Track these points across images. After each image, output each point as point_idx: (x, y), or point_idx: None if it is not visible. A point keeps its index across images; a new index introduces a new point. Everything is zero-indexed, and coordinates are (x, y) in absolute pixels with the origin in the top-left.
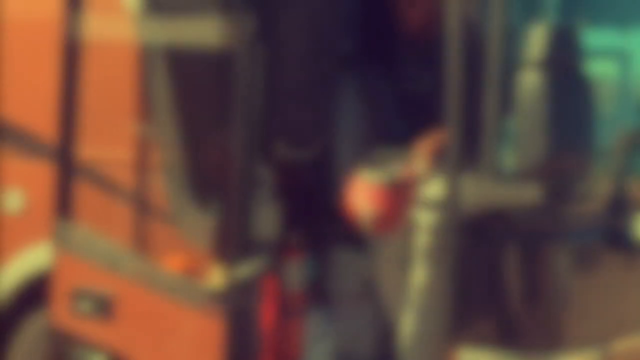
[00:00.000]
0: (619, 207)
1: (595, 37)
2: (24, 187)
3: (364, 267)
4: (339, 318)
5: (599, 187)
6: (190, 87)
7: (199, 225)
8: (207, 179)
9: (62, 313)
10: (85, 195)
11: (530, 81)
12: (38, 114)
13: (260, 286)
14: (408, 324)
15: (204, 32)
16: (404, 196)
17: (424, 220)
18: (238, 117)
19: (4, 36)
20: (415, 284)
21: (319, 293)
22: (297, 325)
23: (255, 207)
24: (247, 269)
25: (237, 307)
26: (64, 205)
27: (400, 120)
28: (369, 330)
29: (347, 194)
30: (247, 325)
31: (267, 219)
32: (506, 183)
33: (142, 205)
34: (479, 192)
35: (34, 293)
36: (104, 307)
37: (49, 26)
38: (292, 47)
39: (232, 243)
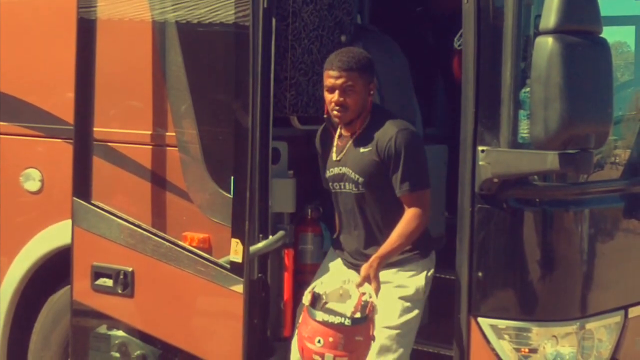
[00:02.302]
0: (636, 173)
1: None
2: (43, 167)
3: None
4: None
5: (616, 154)
6: (206, 62)
7: (217, 200)
8: (224, 155)
9: (82, 289)
10: (104, 174)
11: (546, 49)
12: (55, 94)
13: (278, 259)
14: None
15: (219, 7)
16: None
17: None
18: (254, 92)
19: (17, 16)
20: None
21: None
22: None
23: (272, 181)
24: (265, 242)
25: (256, 279)
26: (82, 184)
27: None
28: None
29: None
30: (265, 297)
31: (283, 193)
32: (524, 151)
33: (160, 183)
34: (498, 160)
35: (55, 270)
36: (124, 283)
37: (66, 7)
38: (308, 20)
39: (250, 217)
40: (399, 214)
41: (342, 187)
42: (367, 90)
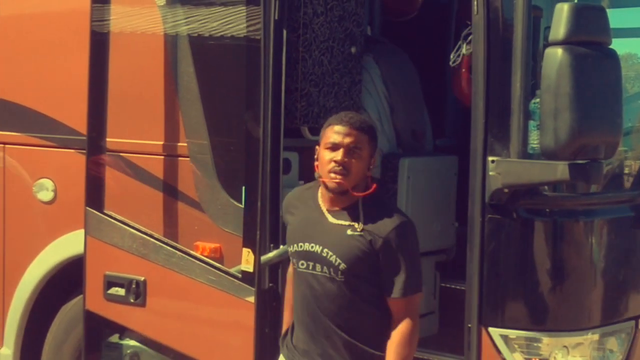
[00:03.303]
0: None
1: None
2: (56, 178)
3: None
4: None
5: (627, 164)
6: (218, 74)
7: (228, 210)
8: (235, 165)
9: (94, 298)
10: (116, 184)
11: (556, 60)
12: (68, 105)
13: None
14: None
15: (231, 19)
16: None
17: None
18: (265, 103)
19: (32, 28)
20: None
21: None
22: None
23: (283, 192)
24: (276, 252)
25: (267, 289)
26: (95, 194)
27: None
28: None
29: None
30: (276, 307)
31: None
32: (534, 161)
33: (171, 193)
34: (508, 171)
35: (67, 280)
36: (136, 293)
37: (78, 18)
38: (319, 32)
39: (261, 227)
40: (376, 315)
41: (312, 267)
42: (369, 163)
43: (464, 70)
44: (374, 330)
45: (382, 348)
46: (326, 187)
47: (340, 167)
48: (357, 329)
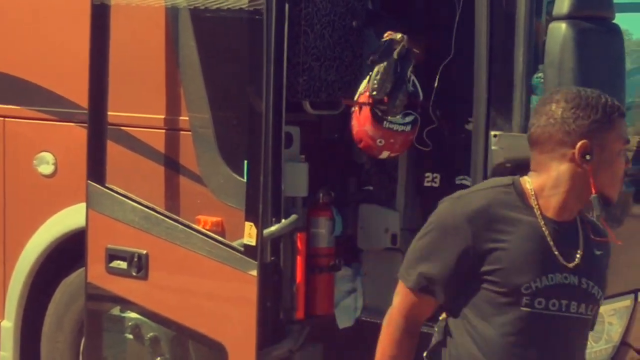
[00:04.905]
0: None
1: None
2: (56, 151)
3: (391, 222)
4: (366, 273)
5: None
6: (219, 47)
7: (229, 184)
8: (237, 139)
9: (96, 272)
10: (118, 157)
11: (560, 34)
12: (69, 78)
13: (290, 243)
14: None
15: None
16: None
17: None
18: (267, 77)
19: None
20: None
21: (347, 249)
22: (325, 281)
23: (284, 166)
24: (278, 226)
25: (269, 262)
26: (96, 167)
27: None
28: (395, 285)
29: None
30: (278, 280)
31: (296, 177)
32: None
33: (173, 167)
34: (510, 145)
35: (68, 254)
36: (138, 266)
37: None
38: (321, 6)
39: (263, 201)
40: None
41: (566, 308)
42: None
43: (356, 108)
44: None
45: None
46: (606, 201)
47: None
48: None
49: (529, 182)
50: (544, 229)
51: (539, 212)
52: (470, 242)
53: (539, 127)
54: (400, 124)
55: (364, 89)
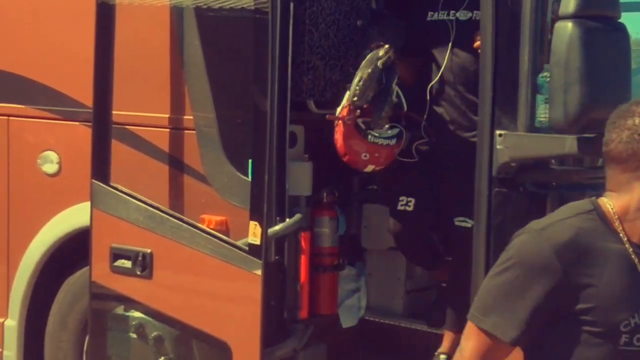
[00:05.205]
0: None
1: None
2: (60, 150)
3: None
4: (370, 272)
5: None
6: (224, 46)
7: (234, 183)
8: (241, 138)
9: (101, 271)
10: (122, 156)
11: (566, 33)
12: (73, 77)
13: (294, 242)
14: None
15: None
16: None
17: None
18: (272, 76)
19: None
20: None
21: (350, 248)
22: (329, 280)
23: (289, 165)
24: (282, 225)
25: (273, 262)
26: (101, 166)
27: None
28: (399, 284)
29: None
30: (282, 280)
31: (300, 176)
32: (542, 135)
33: (177, 166)
34: (516, 144)
35: (72, 253)
36: (142, 265)
37: None
38: (326, 5)
39: (267, 200)
40: None
41: None
42: None
43: (339, 122)
44: None
45: None
46: None
47: None
48: None
49: (610, 205)
50: (633, 256)
51: (625, 238)
52: (560, 279)
53: (621, 143)
54: (385, 138)
55: (347, 102)
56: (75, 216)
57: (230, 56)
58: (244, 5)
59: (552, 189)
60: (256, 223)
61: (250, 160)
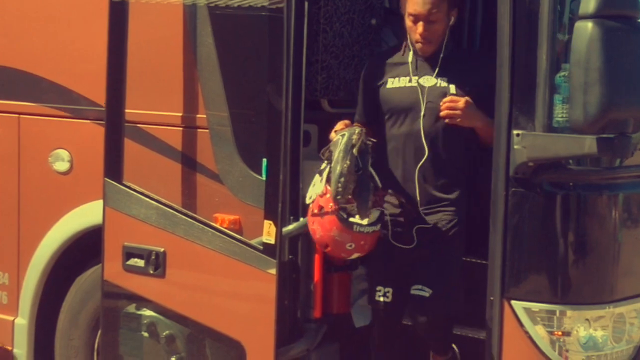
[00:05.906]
0: None
1: None
2: (72, 148)
3: None
4: None
5: None
6: (238, 45)
7: (247, 182)
8: (255, 137)
9: (113, 270)
10: (135, 155)
11: (586, 33)
12: (85, 75)
13: (308, 241)
14: None
15: None
16: None
17: None
18: (286, 75)
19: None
20: None
21: None
22: (342, 280)
23: (302, 164)
24: (296, 224)
25: (287, 261)
26: (113, 165)
27: None
28: None
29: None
30: (295, 279)
31: (313, 175)
32: (561, 135)
33: (190, 165)
34: (534, 144)
35: (83, 251)
36: (155, 264)
37: None
38: (340, 4)
39: (281, 200)
40: None
41: None
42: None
43: (315, 210)
44: None
45: None
46: None
47: None
48: None
49: None
50: None
51: None
52: None
53: None
54: (369, 225)
55: (322, 191)
56: (86, 214)
57: (244, 55)
58: (259, 4)
59: (569, 189)
60: (271, 222)
61: (264, 159)
